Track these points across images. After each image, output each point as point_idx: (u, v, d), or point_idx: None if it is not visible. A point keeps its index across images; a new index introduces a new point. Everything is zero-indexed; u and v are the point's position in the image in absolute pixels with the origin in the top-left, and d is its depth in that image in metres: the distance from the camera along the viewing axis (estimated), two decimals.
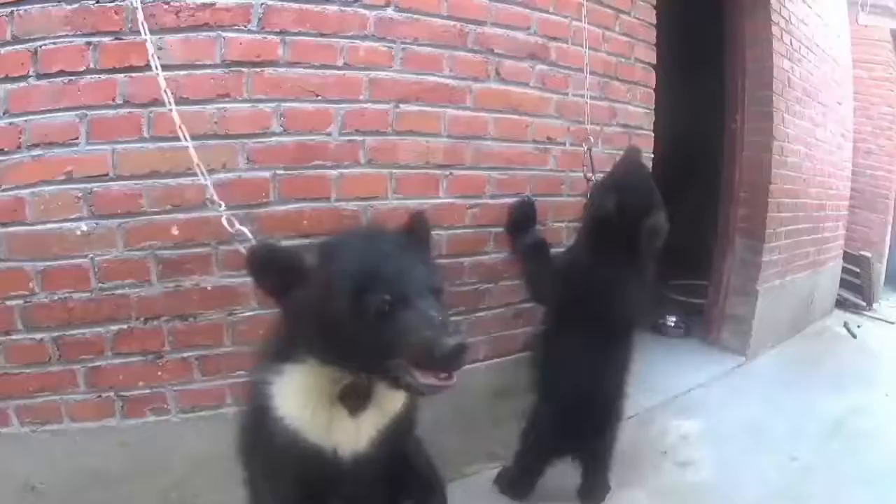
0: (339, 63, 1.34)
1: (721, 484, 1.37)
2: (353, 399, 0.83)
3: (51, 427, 1.30)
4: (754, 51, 2.24)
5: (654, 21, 1.82)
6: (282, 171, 1.29)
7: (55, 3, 1.28)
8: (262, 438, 0.87)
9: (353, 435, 0.83)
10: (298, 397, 0.83)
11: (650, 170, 1.44)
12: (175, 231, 1.25)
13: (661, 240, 1.30)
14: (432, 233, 0.93)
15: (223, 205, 1.00)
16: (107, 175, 1.26)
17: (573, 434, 1.37)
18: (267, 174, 1.28)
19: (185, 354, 1.29)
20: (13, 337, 1.27)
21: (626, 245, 1.27)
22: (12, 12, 1.24)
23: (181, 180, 1.26)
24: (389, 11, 1.38)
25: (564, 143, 1.54)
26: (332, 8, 1.34)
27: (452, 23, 1.43)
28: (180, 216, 1.25)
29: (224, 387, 1.31)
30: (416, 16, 1.40)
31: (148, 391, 1.30)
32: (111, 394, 1.30)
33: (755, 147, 2.22)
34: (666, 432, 1.60)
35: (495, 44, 1.47)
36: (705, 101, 2.39)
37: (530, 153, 1.51)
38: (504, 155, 1.48)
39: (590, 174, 1.44)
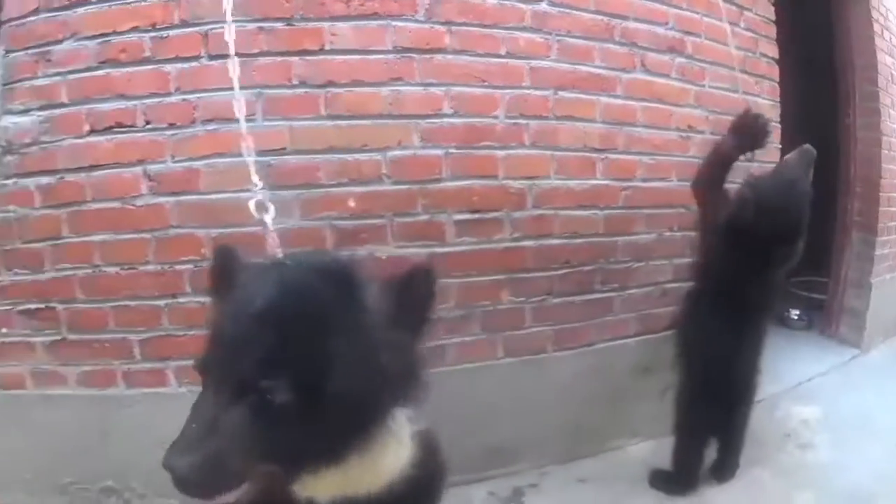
0: (502, 52, 1.48)
1: (836, 465, 1.52)
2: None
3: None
4: (859, 46, 2.36)
5: (774, 18, 1.93)
6: (453, 150, 1.42)
7: None
8: None
9: (332, 487, 0.69)
10: None
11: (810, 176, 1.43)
12: (352, 203, 1.39)
13: (790, 265, 1.36)
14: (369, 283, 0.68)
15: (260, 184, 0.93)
16: (284, 149, 1.41)
17: (718, 413, 1.44)
18: (439, 152, 1.41)
19: None
20: (180, 300, 1.42)
21: (758, 250, 1.31)
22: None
23: (357, 156, 1.40)
24: (544, 5, 1.52)
25: (704, 132, 1.66)
26: (492, 1, 1.48)
27: (600, 17, 1.57)
28: (357, 189, 1.39)
29: None
30: (567, 10, 1.54)
31: None
32: None
33: (867, 142, 2.34)
34: (788, 417, 1.74)
35: (639, 37, 1.61)
36: (819, 96, 2.48)
37: (674, 140, 1.63)
38: (651, 141, 1.60)
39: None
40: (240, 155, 1.37)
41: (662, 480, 1.50)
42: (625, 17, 1.60)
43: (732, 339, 1.41)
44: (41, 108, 1.45)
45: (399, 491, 0.71)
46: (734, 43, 1.71)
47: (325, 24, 1.40)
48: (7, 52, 1.48)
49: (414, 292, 0.65)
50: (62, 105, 1.44)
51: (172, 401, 1.40)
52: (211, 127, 1.39)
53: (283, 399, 0.55)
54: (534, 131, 1.47)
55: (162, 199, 1.38)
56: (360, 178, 1.38)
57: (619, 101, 1.56)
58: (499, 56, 1.47)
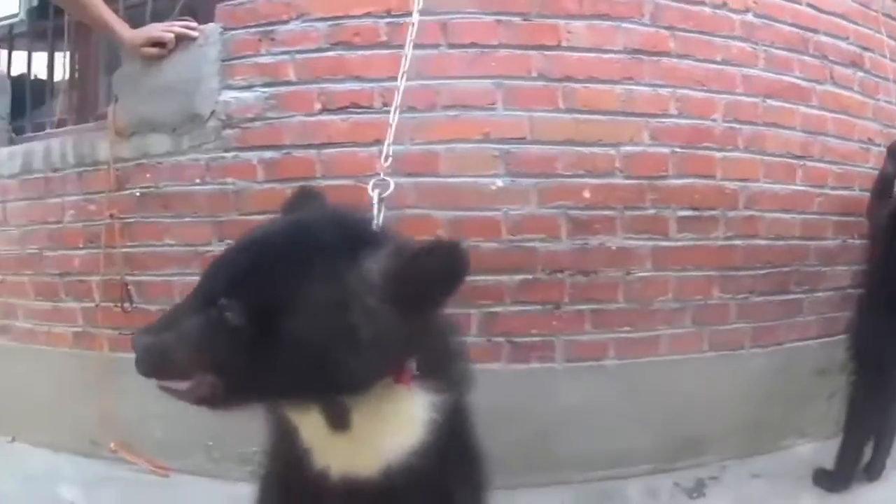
0: (718, 59, 1.60)
1: None
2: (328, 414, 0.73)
3: None
4: None
5: None
6: (678, 149, 1.53)
7: None
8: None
9: (330, 452, 0.74)
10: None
11: None
12: (587, 194, 1.48)
13: None
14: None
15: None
16: (524, 139, 1.51)
17: (880, 414, 1.60)
18: (666, 150, 1.53)
19: (580, 307, 1.49)
20: None
21: None
22: None
23: (593, 149, 1.50)
24: (749, 16, 1.65)
25: (880, 145, 1.80)
26: (707, 10, 1.60)
27: (797, 30, 1.71)
28: (592, 181, 1.49)
29: (608, 340, 1.52)
30: (769, 21, 1.67)
31: (539, 339, 1.50)
32: (501, 339, 1.50)
33: None
34: None
35: (827, 51, 1.75)
36: None
37: (857, 151, 1.78)
38: (839, 151, 1.74)
39: None
40: (479, 141, 1.51)
41: (824, 479, 1.62)
42: (815, 31, 1.75)
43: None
44: (265, 85, 1.51)
45: (414, 472, 0.72)
46: None
47: (561, 22, 1.50)
48: (225, 29, 1.54)
49: (427, 267, 0.64)
50: (289, 83, 1.50)
51: None
52: (452, 112, 1.47)
53: (235, 321, 0.62)
54: (746, 136, 1.59)
55: (399, 180, 1.49)
56: (595, 170, 1.48)
57: (815, 112, 1.70)
58: (715, 62, 1.59)
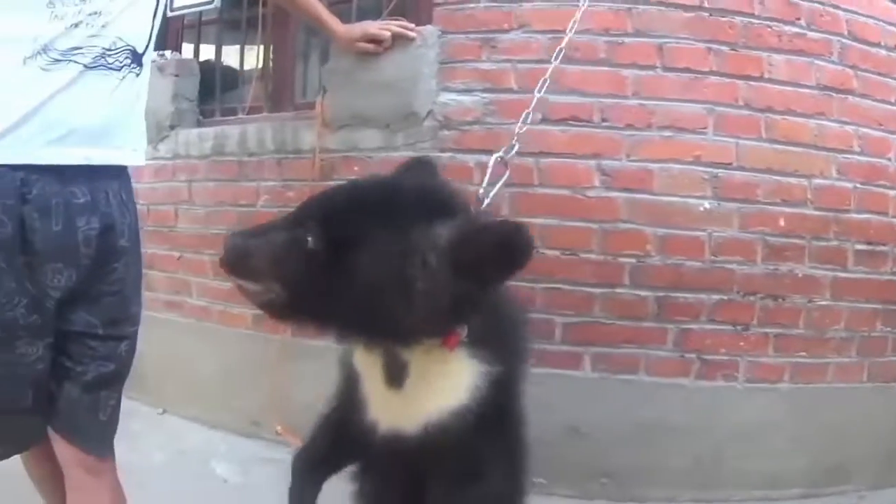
0: (892, 100, 1.77)
1: None
2: (388, 370, 0.86)
3: (623, 376, 1.63)
4: None
5: None
6: (859, 185, 1.70)
7: (673, 9, 1.73)
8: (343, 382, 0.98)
9: (384, 408, 0.87)
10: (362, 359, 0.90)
11: None
12: (782, 222, 1.63)
13: None
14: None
15: None
16: (730, 164, 1.66)
17: None
18: (849, 185, 1.69)
19: (766, 330, 1.63)
20: (617, 290, 1.62)
21: None
22: (630, 9, 1.67)
23: (790, 179, 1.66)
24: None
25: None
26: (882, 52, 1.77)
27: None
28: (787, 210, 1.64)
29: (787, 364, 1.66)
30: None
31: (725, 358, 1.64)
32: (693, 356, 1.63)
33: None
34: None
35: None
36: None
37: None
38: None
39: None
40: (690, 163, 1.68)
41: None
42: None
43: None
44: (485, 91, 1.64)
45: (438, 437, 0.82)
46: None
47: (763, 54, 1.66)
48: (443, 32, 1.68)
49: (487, 243, 0.74)
50: (510, 91, 1.64)
51: (583, 384, 1.60)
52: (667, 133, 1.62)
53: (314, 244, 0.76)
54: None
55: (614, 194, 1.59)
56: (790, 199, 1.63)
57: None
58: (890, 103, 1.76)
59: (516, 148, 1.19)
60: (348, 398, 0.94)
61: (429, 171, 0.97)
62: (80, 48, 0.92)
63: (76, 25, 0.91)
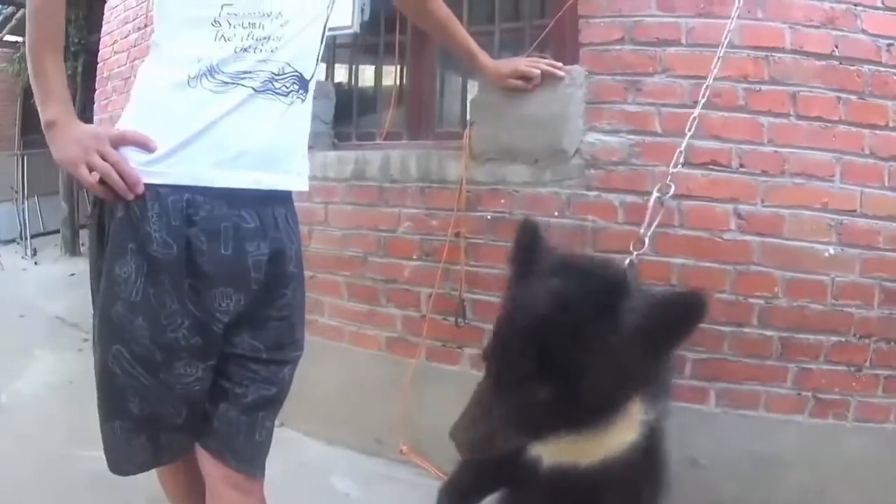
0: None
1: None
2: None
3: (742, 412, 1.81)
4: None
5: None
6: None
7: (806, 57, 1.89)
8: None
9: (566, 449, 0.99)
10: None
11: None
12: None
13: None
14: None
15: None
16: (855, 211, 1.82)
17: None
18: None
19: (878, 371, 1.79)
20: (745, 330, 1.79)
21: None
22: (767, 56, 1.83)
23: None
24: None
25: None
26: None
27: None
28: None
29: (893, 405, 1.83)
30: None
31: (838, 397, 1.80)
32: (809, 394, 1.81)
33: None
34: None
35: None
36: None
37: None
38: None
39: None
40: (819, 210, 1.85)
41: None
42: None
43: None
44: (631, 132, 1.80)
45: (614, 468, 0.99)
46: None
47: (889, 103, 1.81)
48: (590, 73, 1.83)
49: (677, 315, 0.86)
50: (654, 133, 1.79)
51: (706, 418, 1.78)
52: (798, 180, 1.77)
53: (544, 396, 0.85)
54: None
55: (748, 238, 1.75)
56: None
57: None
58: None
59: (672, 190, 1.32)
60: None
61: (538, 236, 1.04)
62: (250, 72, 0.96)
63: (245, 50, 0.96)
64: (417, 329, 1.92)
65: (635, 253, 1.20)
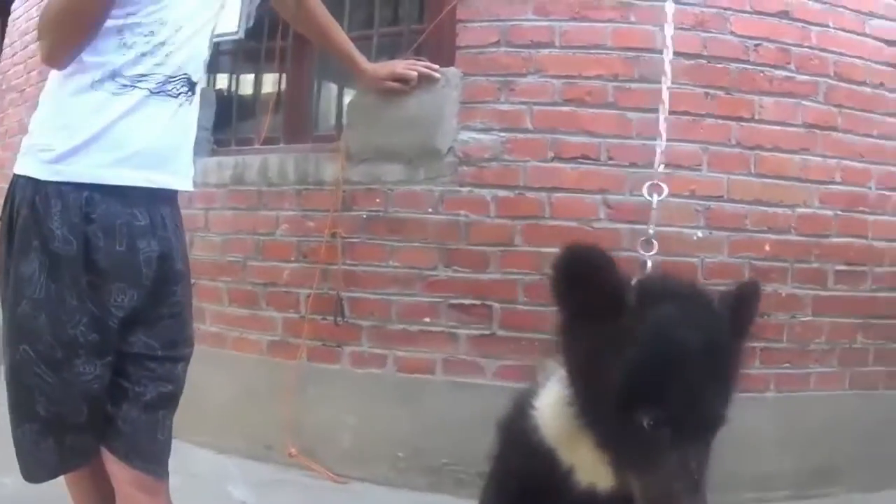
0: (874, 133, 2.14)
1: None
2: None
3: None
4: None
5: None
6: (840, 212, 2.07)
7: (675, 57, 2.08)
8: (511, 439, 1.04)
9: (592, 464, 0.91)
10: (553, 399, 0.94)
11: None
12: (767, 248, 2.00)
13: None
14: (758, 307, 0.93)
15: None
16: (722, 197, 2.01)
17: None
18: (830, 213, 2.07)
19: (753, 344, 1.99)
20: None
21: None
22: (637, 57, 2.00)
23: (776, 209, 2.03)
24: None
25: None
26: (867, 90, 2.15)
27: None
28: (772, 236, 2.01)
29: (771, 375, 2.05)
30: None
31: None
32: None
33: None
34: None
35: None
36: None
37: None
38: None
39: None
40: (686, 196, 2.06)
41: None
42: None
43: None
44: (503, 130, 1.97)
45: None
46: None
47: (756, 98, 2.03)
48: (465, 74, 2.01)
49: (748, 305, 0.88)
50: (526, 131, 1.97)
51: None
52: (666, 170, 2.02)
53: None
54: (895, 202, 2.18)
55: (618, 225, 1.94)
56: (775, 227, 2.00)
57: None
58: (872, 136, 2.14)
59: (665, 192, 1.26)
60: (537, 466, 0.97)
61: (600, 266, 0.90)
62: (147, 75, 1.06)
63: (144, 55, 1.05)
64: (298, 331, 2.05)
65: (647, 255, 1.18)
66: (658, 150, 1.34)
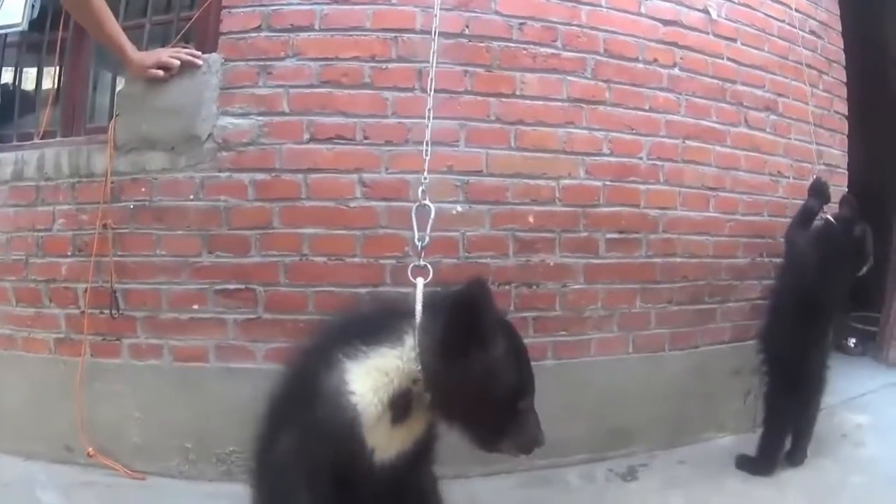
0: (646, 107, 2.56)
1: (883, 458, 2.71)
2: (399, 409, 1.39)
3: None
4: None
5: (846, 80, 3.29)
6: (608, 182, 2.49)
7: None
8: (311, 409, 1.38)
9: (388, 441, 1.41)
10: (372, 386, 1.37)
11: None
12: (531, 219, 2.42)
13: (868, 247, 2.54)
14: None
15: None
16: (481, 171, 2.44)
17: (796, 408, 2.53)
18: (598, 183, 2.49)
19: (524, 314, 2.40)
20: (380, 289, 2.33)
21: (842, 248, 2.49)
22: (396, 37, 2.45)
23: (538, 181, 2.44)
24: (676, 70, 2.64)
25: (788, 178, 2.88)
26: (640, 66, 2.59)
27: (716, 81, 2.71)
28: (536, 208, 2.42)
29: (547, 343, 2.45)
30: (693, 74, 2.66)
31: None
32: None
33: None
34: (844, 422, 3.03)
35: (743, 98, 2.76)
36: (880, 148, 3.95)
37: (766, 183, 2.81)
38: (750, 183, 2.76)
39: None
40: (444, 172, 2.52)
41: (746, 463, 2.53)
42: (733, 81, 2.77)
43: (806, 347, 2.52)
44: (261, 114, 2.36)
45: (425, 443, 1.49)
46: (812, 102, 3.12)
47: (517, 74, 2.44)
48: (226, 60, 2.40)
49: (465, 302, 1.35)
50: (283, 114, 2.36)
51: None
52: (421, 147, 2.48)
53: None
54: (667, 171, 2.57)
55: (374, 203, 2.35)
56: (539, 199, 2.39)
57: (728, 150, 2.73)
58: (643, 110, 2.56)
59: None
60: (338, 447, 1.37)
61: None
62: None
63: None
64: (79, 326, 2.42)
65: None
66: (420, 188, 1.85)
